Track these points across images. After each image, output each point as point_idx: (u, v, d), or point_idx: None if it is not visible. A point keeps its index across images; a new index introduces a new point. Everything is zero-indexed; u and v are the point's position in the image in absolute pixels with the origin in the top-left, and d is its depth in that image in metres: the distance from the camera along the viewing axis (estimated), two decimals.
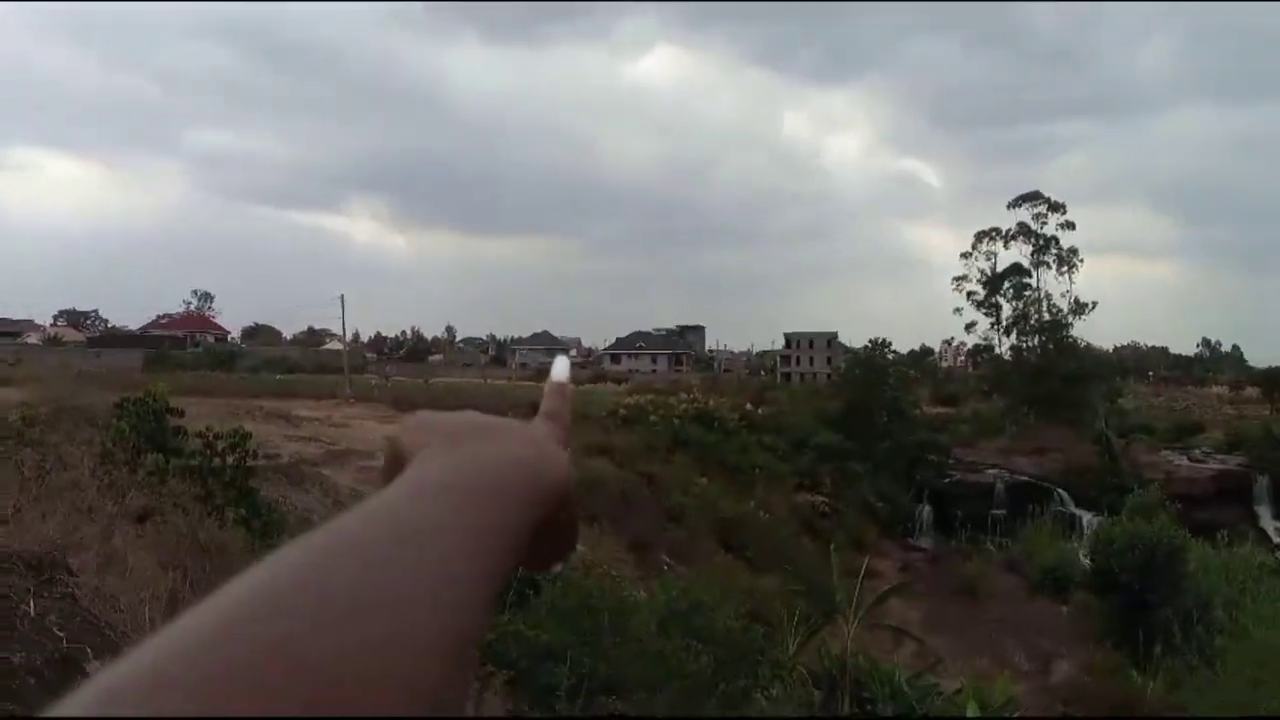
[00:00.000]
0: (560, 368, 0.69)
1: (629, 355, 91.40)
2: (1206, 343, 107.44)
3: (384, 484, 0.53)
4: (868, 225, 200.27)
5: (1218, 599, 24.02)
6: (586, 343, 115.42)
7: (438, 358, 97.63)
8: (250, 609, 0.33)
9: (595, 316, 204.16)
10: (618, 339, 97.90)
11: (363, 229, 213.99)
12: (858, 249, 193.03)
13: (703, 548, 24.17)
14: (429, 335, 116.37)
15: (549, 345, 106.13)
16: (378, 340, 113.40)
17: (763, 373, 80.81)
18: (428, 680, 0.34)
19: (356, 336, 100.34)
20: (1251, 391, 59.25)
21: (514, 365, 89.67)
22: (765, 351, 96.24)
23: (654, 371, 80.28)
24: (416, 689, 0.33)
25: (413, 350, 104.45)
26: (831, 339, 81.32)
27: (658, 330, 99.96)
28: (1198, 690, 17.71)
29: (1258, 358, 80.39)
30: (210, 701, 0.29)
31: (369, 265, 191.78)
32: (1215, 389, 72.11)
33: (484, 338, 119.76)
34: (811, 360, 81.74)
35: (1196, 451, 46.69)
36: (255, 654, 0.31)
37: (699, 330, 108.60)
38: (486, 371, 74.70)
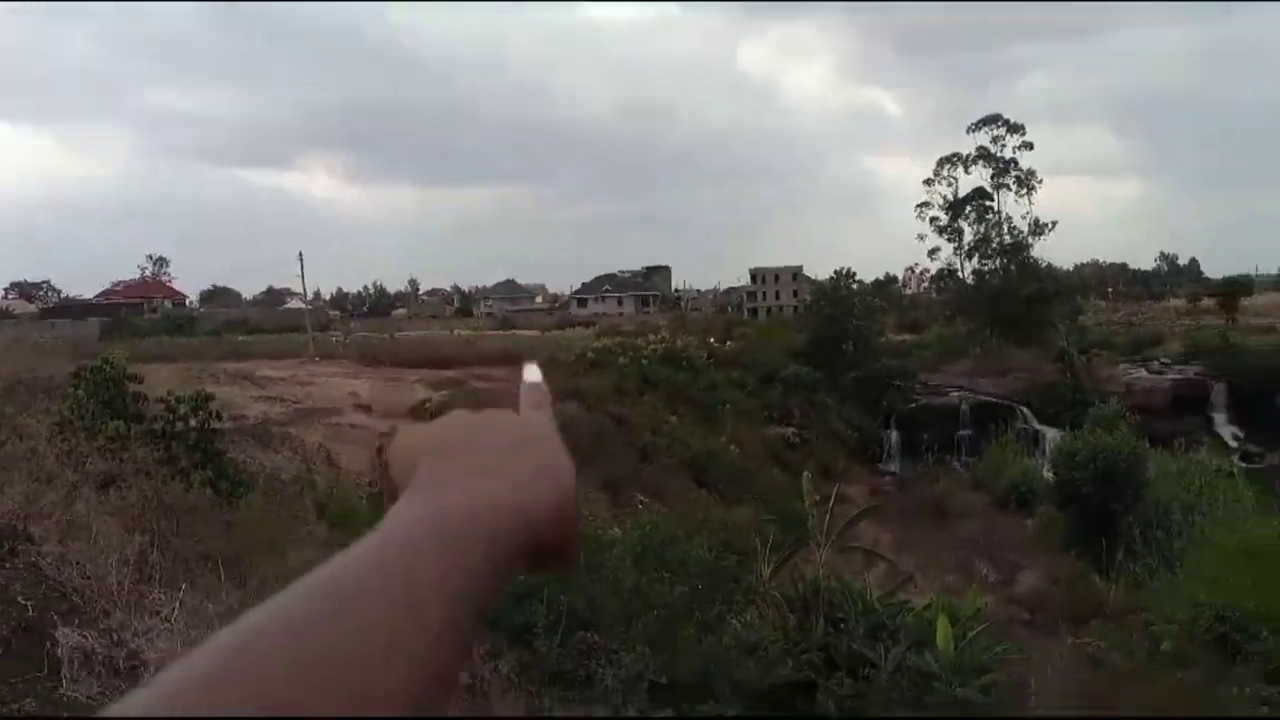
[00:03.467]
0: (532, 372, 0.70)
1: (596, 299, 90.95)
2: (1165, 257, 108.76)
3: (386, 504, 0.52)
4: (831, 156, 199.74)
5: (1176, 505, 24.81)
6: (552, 288, 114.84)
7: (401, 311, 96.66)
8: (224, 664, 0.34)
9: (560, 262, 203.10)
10: (584, 283, 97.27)
11: (319, 184, 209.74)
12: (822, 181, 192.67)
13: (676, 484, 24.48)
14: (392, 289, 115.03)
15: (514, 293, 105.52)
16: (340, 297, 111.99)
17: (730, 309, 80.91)
18: None
19: (318, 294, 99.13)
20: (1208, 302, 60.27)
21: (480, 315, 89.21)
22: (732, 288, 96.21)
23: (621, 314, 79.99)
24: None
25: (376, 305, 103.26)
26: (797, 272, 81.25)
27: (624, 273, 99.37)
28: (1158, 593, 18.36)
29: (1215, 269, 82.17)
30: None
31: (327, 221, 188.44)
32: (1173, 302, 73.29)
33: (448, 289, 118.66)
34: (778, 295, 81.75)
35: (1155, 363, 47.65)
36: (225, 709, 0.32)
37: (665, 271, 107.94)
38: (452, 322, 74.13)
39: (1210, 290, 62.68)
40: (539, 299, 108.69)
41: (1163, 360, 47.95)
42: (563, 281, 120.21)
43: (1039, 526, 26.90)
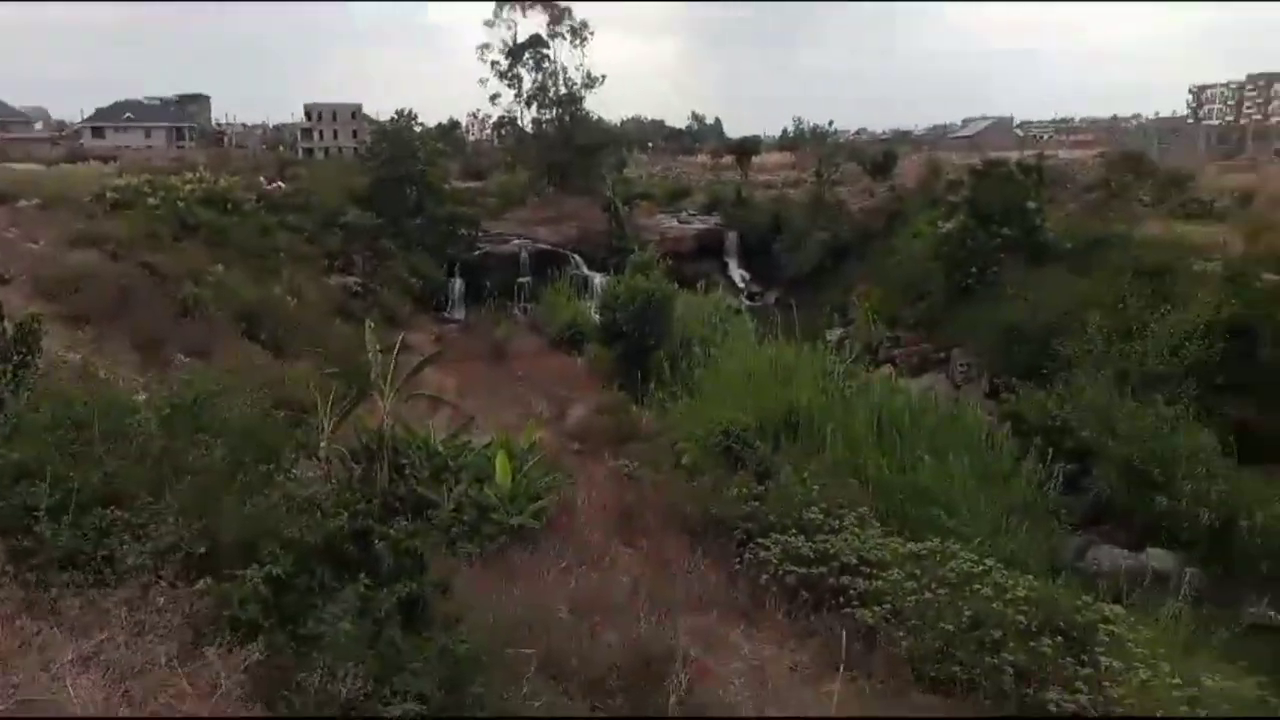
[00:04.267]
0: None
1: (116, 129, 78.18)
2: (696, 116, 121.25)
3: None
4: None
5: (696, 339, 28.73)
6: (57, 114, 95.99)
7: None
8: None
9: (66, 82, 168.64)
10: (99, 109, 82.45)
11: None
12: (381, 13, 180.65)
13: (224, 339, 22.52)
14: None
15: (4, 117, 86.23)
16: None
17: (282, 148, 74.53)
18: None
19: None
20: (728, 159, 68.31)
21: None
22: (283, 124, 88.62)
23: (150, 147, 69.74)
24: None
25: None
26: (356, 111, 77.31)
27: (151, 100, 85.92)
28: (679, 414, 21.32)
29: (734, 130, 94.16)
30: None
31: None
32: (700, 158, 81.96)
33: None
34: (336, 134, 77.62)
35: (684, 213, 53.64)
36: None
37: (203, 100, 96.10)
38: None
39: (729, 148, 71.09)
40: (39, 125, 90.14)
41: (690, 211, 54.09)
42: (71, 105, 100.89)
43: (587, 363, 29.55)
